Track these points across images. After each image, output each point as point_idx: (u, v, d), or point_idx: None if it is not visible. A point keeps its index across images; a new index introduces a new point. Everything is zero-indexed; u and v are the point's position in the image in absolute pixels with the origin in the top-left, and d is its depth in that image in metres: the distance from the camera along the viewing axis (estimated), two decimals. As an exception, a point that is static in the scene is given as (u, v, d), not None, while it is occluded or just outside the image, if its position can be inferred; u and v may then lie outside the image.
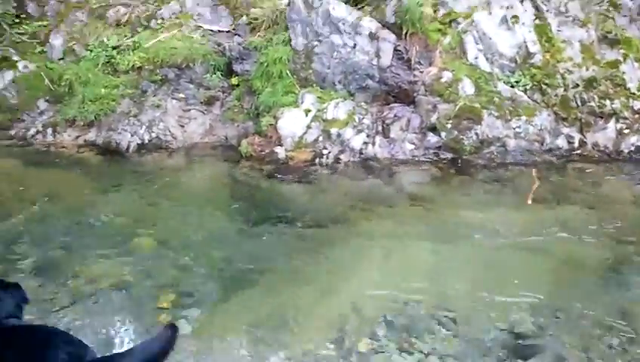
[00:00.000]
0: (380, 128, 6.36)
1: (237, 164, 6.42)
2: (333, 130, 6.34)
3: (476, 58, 6.35)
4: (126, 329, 3.63)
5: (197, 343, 3.39)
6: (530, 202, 5.23)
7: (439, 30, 6.51)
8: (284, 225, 4.99)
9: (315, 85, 6.81)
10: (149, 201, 5.54)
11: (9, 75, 7.79)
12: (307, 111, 6.52)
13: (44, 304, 3.77)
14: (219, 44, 7.56)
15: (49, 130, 7.11)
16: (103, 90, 7.11)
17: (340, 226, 4.97)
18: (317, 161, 6.24)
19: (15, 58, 7.96)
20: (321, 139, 6.35)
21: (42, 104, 7.59)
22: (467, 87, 6.19)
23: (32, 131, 7.16)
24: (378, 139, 6.26)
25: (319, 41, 6.80)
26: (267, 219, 5.11)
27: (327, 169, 6.19)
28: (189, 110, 6.97)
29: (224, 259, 4.41)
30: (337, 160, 6.22)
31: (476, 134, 6.08)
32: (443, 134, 6.15)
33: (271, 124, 6.51)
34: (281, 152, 6.34)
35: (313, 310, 3.74)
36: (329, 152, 6.25)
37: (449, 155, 6.14)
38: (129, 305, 3.83)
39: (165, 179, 6.07)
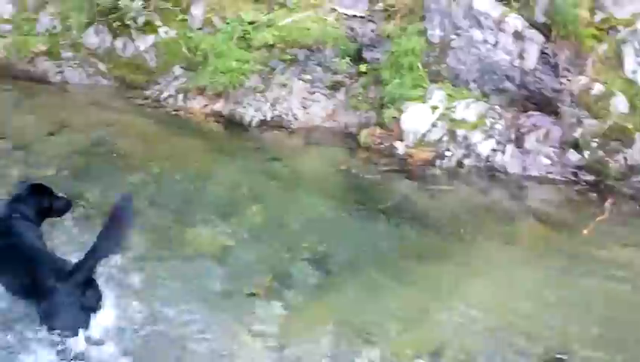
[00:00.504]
0: (513, 136, 6.17)
1: (354, 153, 6.60)
2: (460, 132, 6.26)
3: (634, 72, 5.90)
4: (216, 300, 3.81)
5: (284, 329, 3.53)
6: (585, 232, 4.85)
7: (594, 36, 6.13)
8: (392, 224, 5.04)
9: (446, 81, 6.79)
10: (262, 177, 5.91)
11: (150, 38, 8.60)
12: (434, 108, 6.49)
13: (143, 261, 4.10)
14: (351, 29, 7.74)
15: (180, 96, 7.77)
16: (234, 63, 7.60)
17: (452, 236, 4.94)
18: (437, 162, 6.23)
19: (158, 23, 8.76)
20: (445, 139, 6.31)
21: (177, 70, 8.27)
22: (620, 104, 5.78)
23: (165, 94, 7.87)
24: (510, 148, 6.08)
25: (457, 34, 6.72)
26: (376, 215, 5.23)
27: (446, 172, 6.17)
28: (314, 93, 7.25)
29: (327, 247, 4.60)
30: (460, 164, 6.15)
31: (625, 158, 5.68)
32: (586, 153, 5.80)
33: (394, 117, 6.58)
34: (400, 148, 6.39)
35: (409, 319, 3.75)
36: (452, 155, 6.19)
37: (590, 178, 5.79)
38: (224, 276, 4.08)
39: (281, 158, 6.41)
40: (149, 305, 3.71)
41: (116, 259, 3.92)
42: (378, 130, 6.72)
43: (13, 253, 3.31)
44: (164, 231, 4.67)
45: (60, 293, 3.02)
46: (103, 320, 3.31)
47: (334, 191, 5.74)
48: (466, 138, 6.28)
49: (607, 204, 5.44)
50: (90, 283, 3.19)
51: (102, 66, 8.77)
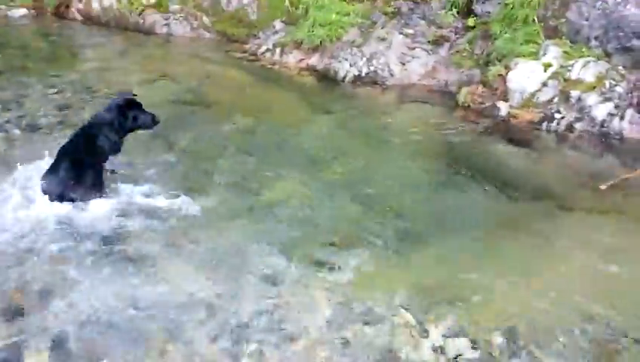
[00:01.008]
0: (635, 101, 5.67)
1: (451, 112, 6.50)
2: (574, 93, 5.90)
3: None
4: (291, 247, 3.92)
5: (356, 284, 3.56)
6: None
7: None
8: (488, 188, 4.90)
9: (564, 38, 6.42)
10: (352, 134, 5.99)
11: (254, -8, 8.89)
12: (547, 66, 6.15)
13: (226, 207, 4.37)
14: (463, -20, 7.45)
15: (277, 50, 8.05)
16: (334, 15, 7.72)
17: (555, 206, 4.71)
18: (544, 125, 5.95)
19: (263, -23, 8.97)
20: (555, 100, 5.99)
21: (278, 24, 8.55)
22: None
23: (263, 48, 8.20)
24: (629, 112, 5.67)
25: None
26: (471, 178, 5.12)
27: (554, 136, 5.87)
28: (414, 48, 7.18)
29: (412, 210, 4.59)
30: (570, 128, 5.82)
31: None
32: None
33: (500, 75, 6.37)
34: (503, 108, 6.15)
35: (490, 290, 3.62)
36: (562, 117, 5.86)
37: None
38: (301, 224, 4.18)
39: (374, 116, 6.45)
40: (229, 242, 3.97)
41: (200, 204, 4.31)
42: (480, 89, 6.53)
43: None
44: (248, 178, 4.92)
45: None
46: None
47: (425, 151, 5.67)
48: (580, 100, 5.89)
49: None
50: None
51: (206, 20, 9.32)
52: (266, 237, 4.03)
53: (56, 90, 6.51)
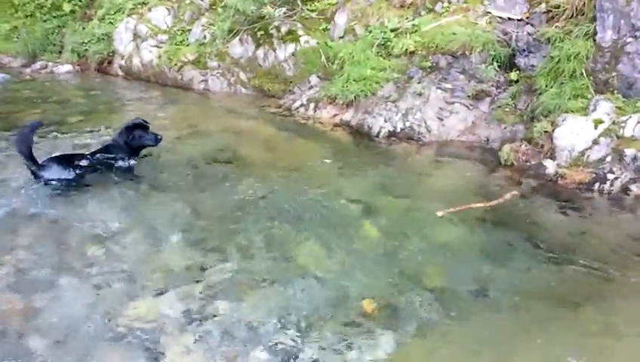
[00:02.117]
0: (699, 160, 5.11)
1: (492, 171, 6.07)
2: (629, 152, 5.44)
3: None
4: (314, 324, 3.55)
5: None
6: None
7: None
8: (533, 257, 4.41)
9: (616, 92, 6.00)
10: (386, 193, 5.69)
11: (291, 48, 8.92)
12: (597, 123, 5.72)
13: (247, 272, 4.05)
14: (505, 33, 7.23)
15: (311, 105, 7.90)
16: (369, 71, 7.56)
17: (611, 278, 4.16)
18: (596, 186, 5.46)
19: (300, 33, 9.03)
20: (608, 159, 5.52)
21: (314, 79, 8.43)
22: None
23: (298, 103, 8.06)
24: (695, 174, 5.05)
25: (635, 37, 5.94)
26: (516, 244, 4.62)
27: (607, 199, 5.37)
28: (453, 103, 6.85)
29: (450, 279, 4.13)
30: (625, 190, 5.31)
31: None
32: None
33: (546, 131, 5.96)
34: (550, 167, 5.69)
35: None
36: (615, 178, 5.37)
37: None
38: (331, 297, 3.83)
39: (410, 173, 6.11)
40: (247, 312, 3.63)
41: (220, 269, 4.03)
42: (524, 146, 6.10)
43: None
44: (274, 241, 4.62)
45: None
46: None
47: (466, 214, 5.21)
48: (635, 159, 5.40)
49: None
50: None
51: (243, 75, 9.31)
52: (287, 307, 3.68)
53: (87, 144, 6.45)
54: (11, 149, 6.10)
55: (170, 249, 4.34)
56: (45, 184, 5.11)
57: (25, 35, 12.34)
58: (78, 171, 5.28)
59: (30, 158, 5.01)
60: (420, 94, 7.07)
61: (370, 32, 8.44)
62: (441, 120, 6.84)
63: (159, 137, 5.77)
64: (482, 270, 4.25)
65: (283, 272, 4.12)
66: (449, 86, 7.04)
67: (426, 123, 6.86)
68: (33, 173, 5.09)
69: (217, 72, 9.47)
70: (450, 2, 8.22)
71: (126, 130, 5.63)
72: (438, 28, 7.73)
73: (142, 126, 5.71)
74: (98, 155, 5.54)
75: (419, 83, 7.20)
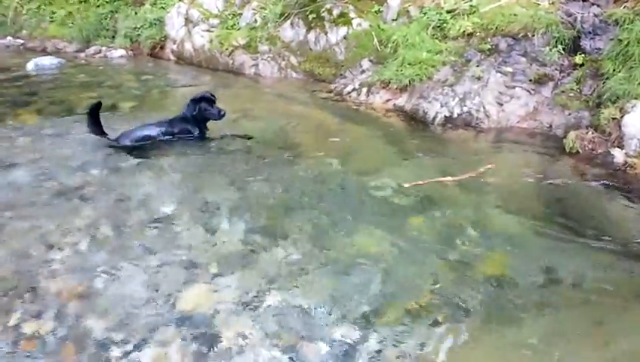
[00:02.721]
0: None
1: (556, 159, 5.79)
2: None
3: None
4: (370, 315, 3.46)
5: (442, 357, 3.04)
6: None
7: None
8: (598, 252, 4.16)
9: (691, 76, 5.52)
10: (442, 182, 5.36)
11: (343, 31, 8.78)
12: (671, 109, 5.33)
13: (295, 262, 3.97)
14: (569, 15, 6.89)
15: (364, 90, 7.75)
16: (425, 54, 7.35)
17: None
18: (669, 176, 5.05)
19: (352, 15, 8.87)
20: (684, 148, 5.11)
21: (366, 63, 8.26)
22: None
23: (349, 88, 7.92)
24: None
25: None
26: (584, 238, 4.37)
27: (681, 190, 4.96)
28: (513, 87, 6.59)
29: (509, 271, 3.94)
30: (702, 181, 4.91)
31: None
32: None
33: (613, 118, 5.67)
34: (618, 156, 5.42)
35: None
36: (691, 168, 4.98)
37: None
38: (388, 286, 3.72)
39: (467, 161, 5.89)
40: (296, 303, 3.58)
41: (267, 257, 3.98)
42: (590, 134, 5.80)
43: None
44: (323, 229, 4.54)
45: None
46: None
47: (527, 204, 4.99)
48: None
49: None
50: None
51: (293, 59, 9.23)
52: (343, 296, 3.59)
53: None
54: (70, 131, 6.27)
55: (224, 233, 4.31)
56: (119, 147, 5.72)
57: (79, 21, 12.62)
58: (149, 139, 5.86)
59: (102, 133, 5.73)
60: (478, 78, 6.83)
61: (425, 13, 8.21)
62: (501, 105, 6.59)
63: (222, 112, 6.06)
64: (547, 261, 4.04)
65: (337, 260, 4.03)
66: (509, 69, 6.77)
67: (484, 108, 6.62)
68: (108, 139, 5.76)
69: (268, 56, 9.42)
70: (510, -18, 7.91)
71: (192, 102, 5.97)
72: (498, 9, 7.44)
73: (208, 99, 6.01)
74: (166, 126, 5.99)
75: (477, 66, 6.95)
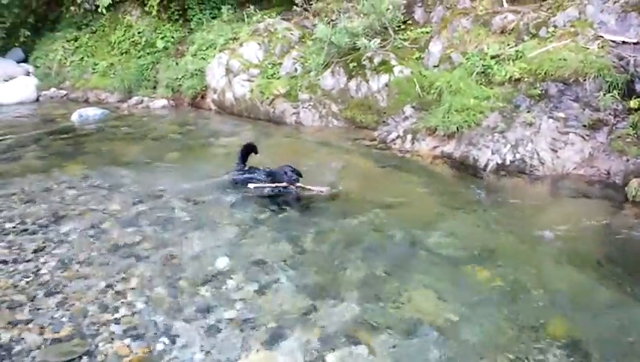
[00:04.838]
0: None
1: (618, 209, 5.59)
2: None
3: None
4: None
5: None
6: None
7: None
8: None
9: None
10: (497, 233, 5.28)
11: (384, 78, 8.79)
12: None
13: (363, 318, 3.82)
14: (620, 58, 6.77)
15: (408, 137, 7.67)
16: (472, 100, 7.27)
17: None
18: None
19: (393, 63, 8.90)
20: None
21: (408, 110, 8.23)
22: None
23: (393, 135, 7.86)
24: None
25: None
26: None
27: None
28: (567, 133, 6.42)
29: (580, 331, 3.71)
30: None
31: None
32: None
33: (679, 165, 5.34)
34: (688, 205, 5.11)
35: None
36: None
37: None
38: (451, 348, 3.53)
39: (523, 211, 5.72)
40: None
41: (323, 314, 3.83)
42: (654, 181, 5.55)
43: None
44: (381, 285, 4.39)
45: None
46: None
47: (592, 258, 4.75)
48: None
49: None
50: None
51: (334, 107, 9.24)
52: (407, 359, 3.42)
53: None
54: (117, 183, 6.31)
55: (279, 289, 4.19)
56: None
57: (121, 72, 12.97)
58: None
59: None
60: (530, 124, 6.68)
61: (468, 59, 8.16)
62: (555, 151, 6.41)
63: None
64: (620, 324, 3.80)
65: (397, 318, 3.86)
66: (562, 115, 6.61)
67: (538, 155, 6.44)
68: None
69: (309, 105, 9.45)
70: (555, 27, 7.83)
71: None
72: (545, 54, 7.34)
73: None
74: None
75: (528, 112, 6.81)
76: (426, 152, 7.40)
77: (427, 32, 9.32)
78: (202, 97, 11.19)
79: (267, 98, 9.88)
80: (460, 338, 3.62)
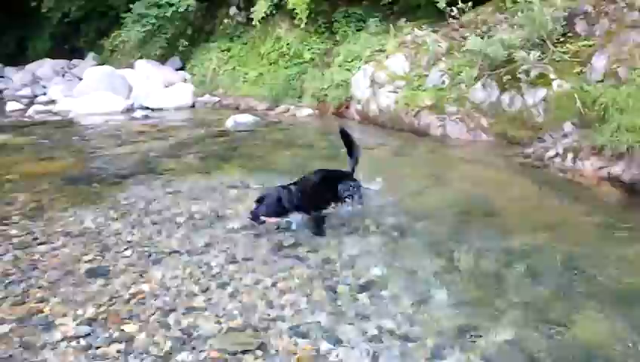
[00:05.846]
0: None
1: None
2: None
3: None
4: None
5: None
6: None
7: None
8: None
9: None
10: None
11: (542, 92, 8.36)
12: None
13: (526, 343, 3.59)
14: None
15: (569, 155, 7.22)
16: (643, 119, 6.57)
17: None
18: None
19: (552, 77, 8.43)
20: None
21: (568, 126, 7.76)
22: None
23: (551, 153, 7.44)
24: None
25: None
26: None
27: None
28: None
29: None
30: None
31: None
32: None
33: None
34: None
35: None
36: None
37: None
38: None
39: None
40: None
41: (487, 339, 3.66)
42: None
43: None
44: (543, 310, 4.12)
45: None
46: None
47: None
48: None
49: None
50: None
51: (484, 121, 8.93)
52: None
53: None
54: (268, 185, 6.56)
55: (435, 304, 4.07)
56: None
57: (269, 81, 13.62)
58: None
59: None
60: None
61: (638, 75, 7.49)
62: None
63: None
64: None
65: (564, 349, 3.59)
66: None
67: None
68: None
69: (456, 117, 9.22)
70: None
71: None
72: None
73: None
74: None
75: None
76: (589, 173, 6.85)
77: (590, 46, 8.70)
78: (346, 107, 11.39)
79: (412, 110, 9.80)
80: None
